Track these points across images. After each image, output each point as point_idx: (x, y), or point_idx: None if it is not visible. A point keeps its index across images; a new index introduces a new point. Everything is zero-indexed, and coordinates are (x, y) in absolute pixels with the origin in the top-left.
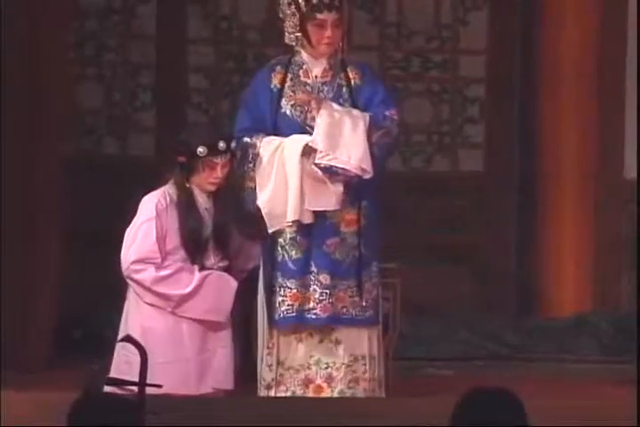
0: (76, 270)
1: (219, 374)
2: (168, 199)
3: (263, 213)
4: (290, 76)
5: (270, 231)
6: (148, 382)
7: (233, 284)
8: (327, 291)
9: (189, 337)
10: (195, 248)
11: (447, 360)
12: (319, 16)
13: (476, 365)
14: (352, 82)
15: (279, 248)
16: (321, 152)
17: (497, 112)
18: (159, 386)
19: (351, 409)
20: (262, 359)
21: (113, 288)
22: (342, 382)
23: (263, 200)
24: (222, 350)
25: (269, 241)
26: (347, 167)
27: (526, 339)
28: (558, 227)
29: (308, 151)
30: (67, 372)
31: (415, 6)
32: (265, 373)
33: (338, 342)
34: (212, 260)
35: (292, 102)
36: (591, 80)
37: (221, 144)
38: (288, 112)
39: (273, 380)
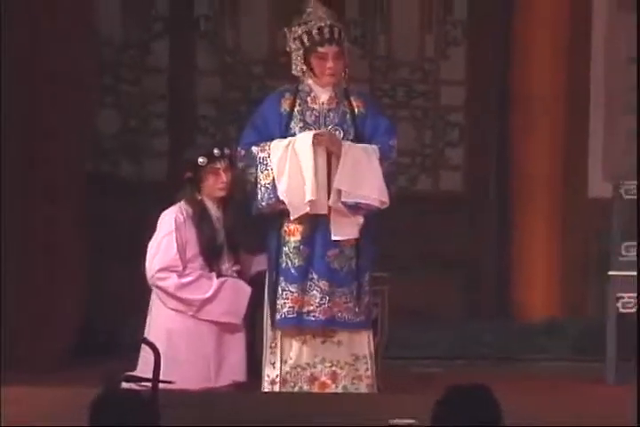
0: (97, 280)
1: (234, 367)
2: (185, 213)
3: (285, 202)
4: (298, 101)
5: (293, 218)
6: (173, 378)
7: (247, 289)
8: (327, 296)
9: (208, 337)
10: (212, 255)
11: (433, 359)
12: (321, 49)
13: (458, 364)
14: (356, 110)
15: (284, 256)
16: (346, 192)
17: (475, 137)
18: (171, 382)
19: (344, 405)
20: (266, 357)
21: (130, 296)
22: (346, 380)
23: (282, 190)
24: (236, 346)
25: (275, 250)
26: (370, 202)
27: (503, 340)
28: (531, 240)
29: (317, 140)
30: (88, 371)
31: (401, 42)
32: (269, 370)
33: (340, 343)
34: (226, 264)
35: (301, 125)
36: (558, 108)
37: (216, 151)
38: (297, 133)
39: (277, 376)
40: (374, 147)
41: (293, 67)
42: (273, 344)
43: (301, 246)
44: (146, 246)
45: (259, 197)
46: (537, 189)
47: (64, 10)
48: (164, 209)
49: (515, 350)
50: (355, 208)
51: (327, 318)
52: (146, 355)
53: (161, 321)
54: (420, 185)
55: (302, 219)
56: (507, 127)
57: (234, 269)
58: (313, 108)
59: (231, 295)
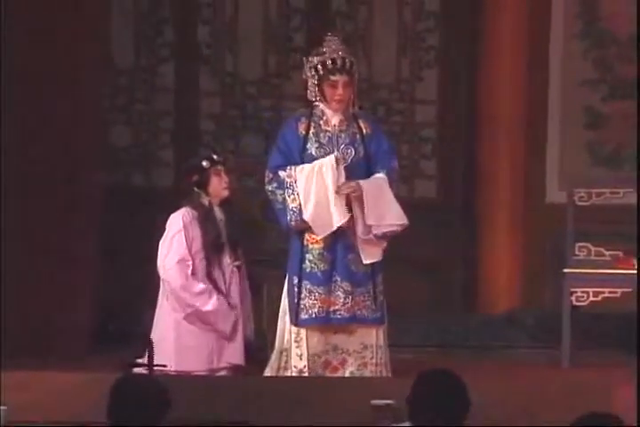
0: (109, 278)
1: (233, 352)
2: (190, 215)
3: (311, 224)
4: (313, 124)
5: (319, 238)
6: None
7: (234, 313)
8: (349, 296)
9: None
10: (214, 252)
11: (407, 347)
12: (332, 78)
13: (429, 351)
14: (364, 131)
15: (307, 262)
16: (375, 225)
17: (446, 150)
18: (165, 366)
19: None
20: (291, 351)
21: (138, 293)
22: (353, 366)
23: (309, 213)
24: (234, 333)
25: (297, 256)
26: (395, 229)
27: (469, 331)
28: (494, 241)
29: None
30: (103, 358)
31: (380, 66)
32: (296, 361)
33: (351, 333)
34: (228, 260)
35: (317, 145)
36: (519, 124)
37: (215, 156)
38: (313, 152)
39: (305, 366)
40: (384, 177)
41: (308, 92)
42: (298, 338)
43: (325, 253)
44: (155, 246)
45: (287, 217)
46: (500, 195)
47: (83, 39)
48: (170, 213)
49: (479, 338)
50: (382, 237)
51: (351, 315)
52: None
53: (170, 312)
54: (398, 192)
55: None
56: (473, 141)
57: (235, 264)
58: (326, 130)
59: (220, 315)
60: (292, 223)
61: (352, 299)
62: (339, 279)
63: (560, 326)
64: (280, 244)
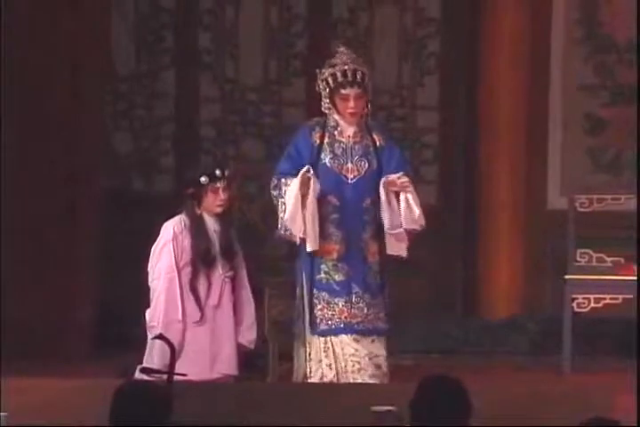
0: (110, 282)
1: (226, 362)
2: (183, 224)
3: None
4: (327, 134)
5: (308, 251)
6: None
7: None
8: (371, 307)
9: (204, 334)
10: (203, 264)
11: (407, 353)
12: (343, 91)
13: (430, 356)
14: (377, 143)
15: (323, 273)
16: (391, 228)
17: (447, 156)
18: (185, 375)
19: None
20: (320, 361)
21: (138, 297)
22: (365, 375)
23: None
24: (228, 343)
25: (309, 267)
26: (416, 228)
27: (469, 336)
28: (495, 247)
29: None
30: (103, 363)
31: (382, 72)
32: (326, 371)
33: (370, 343)
34: (220, 271)
35: (331, 156)
36: (520, 131)
37: (217, 172)
38: (327, 163)
39: (334, 376)
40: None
41: (322, 104)
42: (326, 348)
43: (339, 264)
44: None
45: (279, 225)
46: (501, 201)
47: (83, 44)
48: (170, 218)
49: (480, 344)
50: (410, 233)
51: (373, 326)
52: (151, 347)
53: None
54: None
55: (338, 238)
56: (475, 147)
57: (227, 275)
58: (340, 141)
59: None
60: (282, 233)
61: (372, 310)
62: (360, 291)
63: (561, 332)
64: (280, 250)
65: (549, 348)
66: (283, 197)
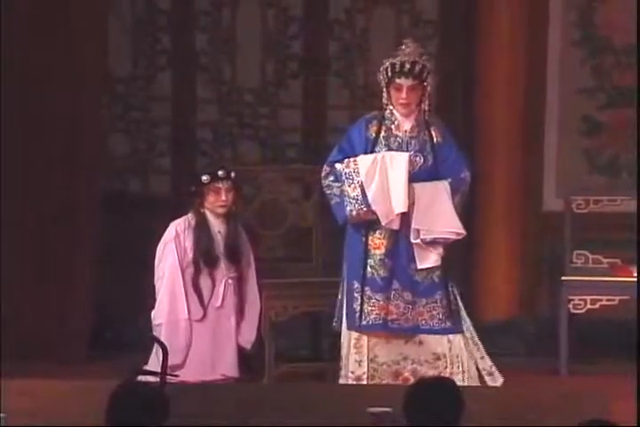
0: (106, 284)
1: (228, 363)
2: (187, 223)
3: (375, 209)
4: (384, 128)
5: (383, 223)
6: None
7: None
8: (410, 306)
9: (205, 336)
10: (205, 263)
11: None
12: (397, 81)
13: None
14: (435, 139)
15: (369, 268)
16: (423, 230)
17: None
18: (177, 376)
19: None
20: (349, 356)
21: (136, 299)
22: (427, 376)
23: (371, 200)
24: (229, 345)
25: (359, 261)
26: (447, 237)
27: None
28: (491, 249)
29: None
30: (100, 365)
31: (377, 73)
32: (354, 367)
33: (421, 343)
34: (224, 272)
35: (386, 149)
36: (517, 133)
37: (220, 172)
38: None
39: (364, 373)
40: (445, 183)
41: (383, 96)
42: (358, 345)
43: (386, 259)
44: (153, 253)
45: (348, 208)
46: (498, 202)
47: (80, 46)
48: (167, 219)
49: None
50: (433, 243)
51: (410, 325)
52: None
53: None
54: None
55: (386, 233)
56: (472, 149)
57: (231, 275)
58: (397, 135)
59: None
60: (354, 213)
61: (413, 309)
62: (400, 288)
63: (557, 334)
64: (276, 252)
65: (545, 350)
66: (350, 178)
